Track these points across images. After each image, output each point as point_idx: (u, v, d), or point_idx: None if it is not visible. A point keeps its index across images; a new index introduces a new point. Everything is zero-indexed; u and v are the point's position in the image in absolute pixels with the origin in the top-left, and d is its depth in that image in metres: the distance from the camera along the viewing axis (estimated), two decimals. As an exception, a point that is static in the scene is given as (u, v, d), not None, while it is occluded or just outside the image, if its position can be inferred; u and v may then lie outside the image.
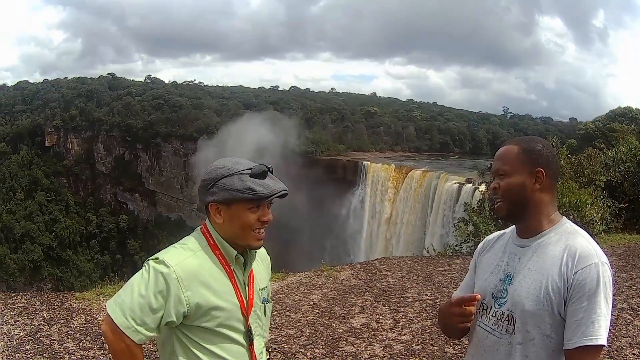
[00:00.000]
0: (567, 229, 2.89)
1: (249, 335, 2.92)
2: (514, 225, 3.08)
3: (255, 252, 3.05)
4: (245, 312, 2.91)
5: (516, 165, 2.88)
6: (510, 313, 2.79)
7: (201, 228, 2.99)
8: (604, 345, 2.61)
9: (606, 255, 9.27)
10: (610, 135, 32.97)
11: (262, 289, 3.09)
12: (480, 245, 3.29)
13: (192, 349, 2.82)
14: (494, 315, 2.88)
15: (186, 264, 2.78)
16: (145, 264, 2.78)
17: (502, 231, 3.22)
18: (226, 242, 2.90)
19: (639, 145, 17.09)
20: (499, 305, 2.87)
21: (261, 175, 2.85)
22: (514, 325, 2.76)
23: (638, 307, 8.74)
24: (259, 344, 3.00)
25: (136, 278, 2.76)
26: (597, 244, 2.82)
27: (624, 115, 55.64)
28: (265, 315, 3.08)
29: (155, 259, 2.79)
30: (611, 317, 7.64)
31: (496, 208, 2.97)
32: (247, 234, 2.88)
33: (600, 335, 2.58)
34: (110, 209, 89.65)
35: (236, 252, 2.91)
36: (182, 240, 2.96)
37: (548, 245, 2.82)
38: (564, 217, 2.96)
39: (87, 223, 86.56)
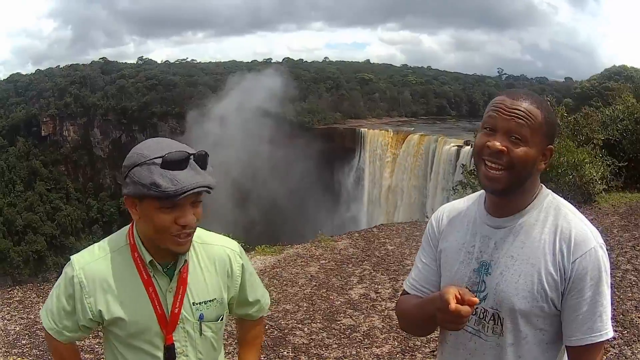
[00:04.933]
0: (550, 202, 2.45)
1: (168, 353, 2.59)
2: (476, 196, 2.68)
3: (185, 257, 2.57)
4: (164, 326, 2.56)
5: (539, 135, 2.32)
6: (495, 312, 2.42)
7: (130, 224, 2.62)
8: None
9: (608, 215, 9.25)
10: (607, 93, 32.90)
11: (202, 303, 2.64)
12: (434, 221, 2.77)
13: (114, 351, 2.64)
14: (473, 313, 2.36)
15: (92, 267, 2.52)
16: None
17: (459, 203, 2.76)
18: (143, 245, 2.52)
19: (637, 103, 16.99)
20: None
21: (175, 165, 2.32)
22: (502, 325, 2.41)
23: (642, 267, 8.66)
24: None
25: (58, 280, 2.61)
26: (582, 214, 2.47)
27: (619, 74, 56.21)
28: (201, 336, 2.66)
29: (69, 259, 2.58)
30: (615, 280, 7.58)
31: (492, 177, 2.34)
32: (164, 237, 2.42)
33: (608, 328, 2.31)
34: (111, 193, 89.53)
35: (151, 257, 2.51)
36: (109, 236, 2.68)
37: (533, 227, 2.40)
38: (543, 186, 2.51)
39: (88, 209, 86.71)
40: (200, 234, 2.70)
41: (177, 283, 2.58)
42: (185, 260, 2.58)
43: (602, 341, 2.31)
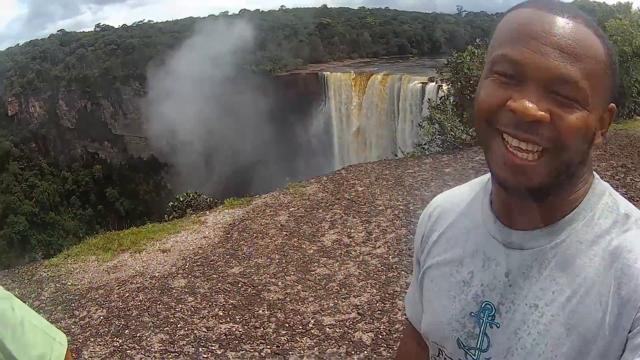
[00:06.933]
0: (606, 207, 1.34)
1: None
2: (481, 185, 1.56)
3: None
4: None
5: (602, 87, 1.22)
6: None
7: None
8: None
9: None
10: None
11: None
12: (421, 222, 1.73)
13: None
14: None
15: None
16: None
17: (457, 194, 1.65)
18: None
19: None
20: None
21: None
22: None
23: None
24: None
25: None
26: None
27: (582, 8, 55.90)
28: None
29: None
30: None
31: (519, 166, 1.21)
32: None
33: None
34: (83, 163, 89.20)
35: None
36: None
37: (576, 253, 1.29)
38: (596, 175, 1.38)
39: (63, 182, 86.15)
40: None
41: None
42: None
43: None
